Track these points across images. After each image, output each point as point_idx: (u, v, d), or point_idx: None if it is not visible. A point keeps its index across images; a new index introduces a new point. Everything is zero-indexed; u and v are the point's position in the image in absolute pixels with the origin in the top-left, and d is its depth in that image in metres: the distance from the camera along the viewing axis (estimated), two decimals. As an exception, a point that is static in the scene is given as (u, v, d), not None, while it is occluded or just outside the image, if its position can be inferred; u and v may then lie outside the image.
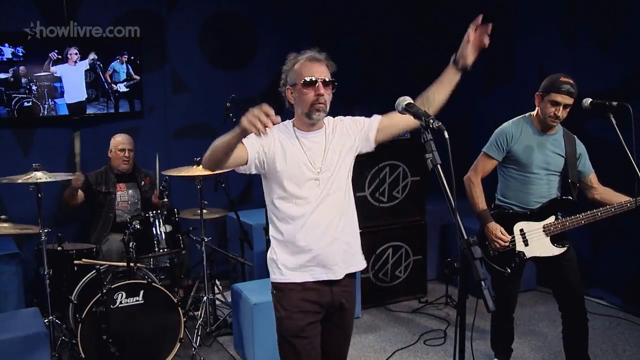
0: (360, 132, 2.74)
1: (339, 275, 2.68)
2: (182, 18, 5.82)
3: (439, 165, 1.97)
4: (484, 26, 2.48)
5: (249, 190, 6.22)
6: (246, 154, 2.50)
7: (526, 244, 3.57)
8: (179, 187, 5.38)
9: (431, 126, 2.04)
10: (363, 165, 5.10)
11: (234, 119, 4.81)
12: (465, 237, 1.86)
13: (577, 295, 3.58)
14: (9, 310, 4.53)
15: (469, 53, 2.53)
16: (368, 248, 5.09)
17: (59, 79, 5.29)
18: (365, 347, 4.49)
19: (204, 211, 4.81)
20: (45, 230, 4.09)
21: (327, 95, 2.57)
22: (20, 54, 5.13)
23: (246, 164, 2.53)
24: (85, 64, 5.36)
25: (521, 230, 3.58)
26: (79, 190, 4.76)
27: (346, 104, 6.26)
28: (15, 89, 5.14)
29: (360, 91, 6.55)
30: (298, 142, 2.63)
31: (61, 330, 4.24)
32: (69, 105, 5.34)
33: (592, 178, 3.63)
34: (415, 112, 2.14)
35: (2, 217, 4.24)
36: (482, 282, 1.80)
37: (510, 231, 3.58)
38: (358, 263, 2.85)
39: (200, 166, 4.42)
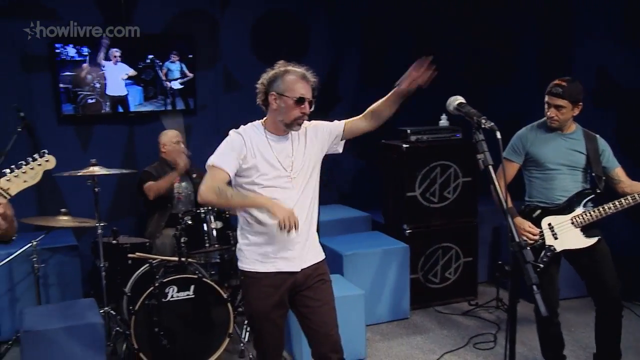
0: (330, 136, 3.06)
1: (300, 267, 2.95)
2: (234, 17, 5.88)
3: (490, 166, 1.93)
4: (425, 66, 2.90)
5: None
6: (227, 176, 2.80)
7: (555, 238, 3.61)
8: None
9: (483, 126, 2.02)
10: (413, 166, 5.07)
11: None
12: (517, 239, 1.83)
13: (612, 294, 3.61)
14: (68, 300, 4.69)
15: (403, 82, 2.96)
16: (418, 249, 5.10)
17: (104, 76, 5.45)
18: (413, 348, 4.46)
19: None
20: (102, 224, 4.21)
21: (310, 109, 2.89)
22: (85, 53, 5.30)
23: (230, 180, 2.84)
24: (124, 65, 5.50)
25: (549, 224, 3.64)
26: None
27: (400, 105, 6.29)
28: (80, 87, 5.32)
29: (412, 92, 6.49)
30: (269, 145, 2.87)
31: (116, 321, 4.35)
32: (110, 97, 5.48)
33: (619, 172, 3.67)
34: (467, 112, 2.13)
35: (62, 210, 4.39)
36: (534, 287, 1.76)
37: (538, 226, 3.63)
38: (317, 255, 3.08)
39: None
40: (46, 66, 5.26)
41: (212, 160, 2.83)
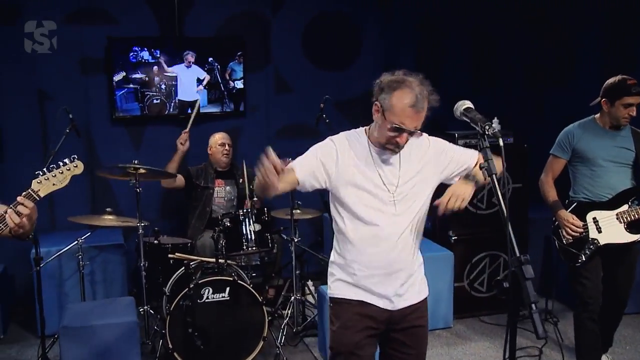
0: (454, 167, 2.64)
1: (397, 306, 2.58)
2: (287, 19, 5.90)
3: (494, 175, 1.84)
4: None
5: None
6: (295, 177, 2.44)
7: (599, 231, 3.68)
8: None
9: (487, 133, 1.93)
10: (460, 170, 4.92)
11: (327, 120, 4.83)
12: (517, 254, 1.73)
13: (621, 293, 3.80)
14: (114, 297, 4.82)
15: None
16: (463, 256, 4.95)
17: (175, 78, 5.57)
18: (453, 359, 4.33)
19: (297, 211, 4.87)
20: (142, 224, 4.30)
21: (405, 141, 2.43)
22: (158, 55, 5.47)
23: (299, 184, 2.48)
24: (196, 68, 5.60)
25: (594, 218, 3.71)
26: (179, 177, 4.95)
27: (453, 105, 6.14)
28: (148, 88, 5.49)
29: (468, 92, 6.31)
30: (371, 156, 2.50)
31: (155, 320, 4.43)
32: (180, 103, 5.60)
33: None
34: (473, 117, 2.05)
35: (108, 209, 4.52)
36: (533, 306, 1.67)
37: (583, 220, 3.72)
38: (420, 293, 2.72)
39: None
40: (102, 68, 5.43)
41: (294, 162, 2.51)
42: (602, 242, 3.67)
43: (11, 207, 2.39)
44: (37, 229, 4.84)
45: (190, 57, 5.56)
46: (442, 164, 2.60)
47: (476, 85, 6.35)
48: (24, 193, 2.45)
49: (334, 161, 2.48)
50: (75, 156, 2.57)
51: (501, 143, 1.90)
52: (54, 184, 2.52)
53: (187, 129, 5.09)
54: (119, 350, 3.84)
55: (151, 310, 4.39)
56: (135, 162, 4.27)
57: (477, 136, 2.02)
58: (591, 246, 3.67)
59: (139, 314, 4.31)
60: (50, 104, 5.31)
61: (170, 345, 3.98)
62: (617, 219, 3.67)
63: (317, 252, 5.08)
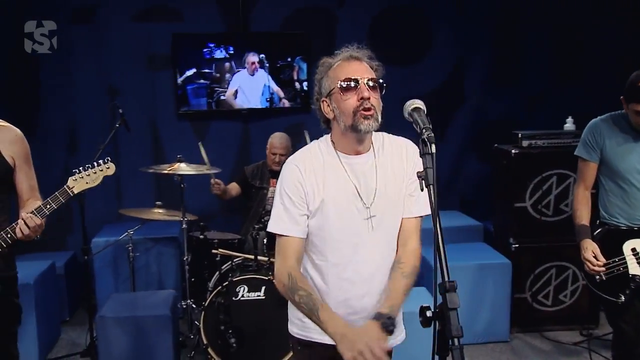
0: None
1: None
2: (353, 12, 5.74)
3: (431, 186, 1.61)
4: None
5: (416, 192, 5.95)
6: (300, 241, 2.11)
7: None
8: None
9: (423, 136, 1.70)
10: (523, 174, 4.59)
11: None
12: (446, 278, 1.51)
13: None
14: (168, 288, 4.92)
15: None
16: (526, 266, 4.63)
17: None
18: (502, 376, 4.03)
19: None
20: (186, 219, 4.34)
21: (374, 99, 2.05)
22: (232, 52, 5.53)
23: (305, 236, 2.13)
24: (263, 73, 5.62)
25: (633, 249, 3.05)
26: (233, 185, 4.92)
27: (531, 104, 5.75)
28: (218, 84, 5.56)
29: (549, 90, 5.90)
30: (343, 168, 2.12)
31: (196, 315, 4.45)
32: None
33: None
34: (415, 119, 1.81)
35: (158, 203, 4.59)
36: (456, 340, 1.45)
37: (619, 251, 3.05)
38: (397, 335, 2.24)
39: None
40: (168, 64, 5.53)
41: (271, 225, 2.14)
42: None
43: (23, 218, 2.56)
44: (103, 219, 5.09)
45: (252, 57, 5.53)
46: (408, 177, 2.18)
47: (559, 82, 5.91)
48: (60, 189, 2.65)
49: (302, 187, 2.11)
50: (109, 158, 2.78)
51: (433, 150, 1.66)
52: (87, 182, 2.73)
53: (212, 178, 4.68)
54: (151, 342, 3.88)
55: (194, 305, 4.40)
56: (179, 156, 4.31)
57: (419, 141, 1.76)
58: (632, 285, 2.99)
59: (184, 308, 4.37)
60: (119, 99, 5.47)
61: (205, 341, 3.97)
62: None
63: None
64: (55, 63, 5.40)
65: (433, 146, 1.67)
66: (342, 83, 2.06)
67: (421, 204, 2.15)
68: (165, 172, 4.29)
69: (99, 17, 5.42)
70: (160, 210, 4.53)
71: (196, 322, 4.36)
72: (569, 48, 5.92)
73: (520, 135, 4.61)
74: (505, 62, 5.91)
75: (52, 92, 5.46)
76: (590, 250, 3.05)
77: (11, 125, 2.78)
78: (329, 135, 2.19)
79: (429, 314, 1.55)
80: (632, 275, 3.02)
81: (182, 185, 4.33)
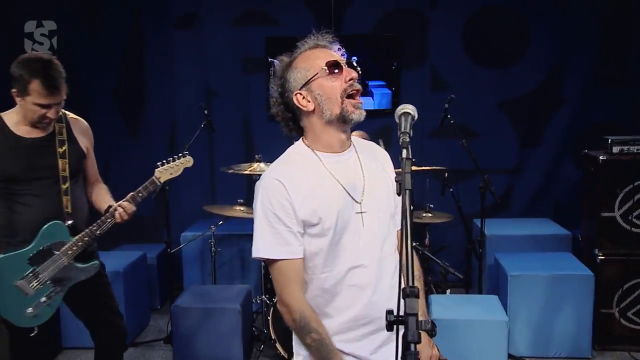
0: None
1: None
2: (446, 14, 5.66)
3: (407, 191, 1.59)
4: None
5: (508, 198, 5.78)
6: (299, 261, 1.98)
7: None
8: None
9: (400, 140, 1.68)
10: (613, 181, 4.33)
11: (452, 121, 4.57)
12: (410, 284, 1.49)
13: None
14: (250, 283, 5.11)
15: None
16: (614, 279, 4.38)
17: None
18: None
19: (429, 214, 4.72)
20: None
21: (352, 73, 1.98)
22: None
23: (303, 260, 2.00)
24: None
25: None
26: None
27: (637, 107, 5.39)
28: None
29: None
30: (326, 169, 2.00)
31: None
32: None
33: None
34: (399, 123, 1.78)
35: (239, 200, 4.78)
36: (411, 346, 1.43)
37: None
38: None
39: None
40: (262, 67, 5.74)
41: (258, 251, 2.02)
42: None
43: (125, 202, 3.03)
44: (196, 214, 5.37)
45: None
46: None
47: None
48: (149, 180, 3.07)
49: (288, 203, 1.95)
50: (187, 152, 3.20)
51: (404, 155, 1.63)
52: (170, 173, 3.15)
53: None
54: (220, 333, 4.07)
55: (268, 301, 4.55)
56: (258, 156, 4.48)
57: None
58: None
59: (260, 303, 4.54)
60: (215, 100, 5.77)
61: (273, 336, 4.10)
62: None
63: (439, 259, 4.82)
64: (160, 65, 5.78)
65: (404, 151, 1.64)
66: (327, 67, 1.96)
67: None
68: (246, 172, 4.46)
69: (201, 23, 5.74)
70: (242, 208, 4.71)
71: (268, 317, 4.52)
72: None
73: (610, 140, 4.35)
74: (610, 62, 5.56)
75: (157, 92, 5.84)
76: None
77: (80, 118, 3.16)
78: (301, 139, 2.08)
79: (390, 317, 1.53)
80: None
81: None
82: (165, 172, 3.14)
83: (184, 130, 5.82)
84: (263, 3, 5.70)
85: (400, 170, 1.62)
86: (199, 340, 4.08)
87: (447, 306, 3.96)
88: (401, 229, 1.65)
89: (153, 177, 3.09)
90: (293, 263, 1.96)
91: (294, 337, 2.08)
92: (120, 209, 2.99)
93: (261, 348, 4.36)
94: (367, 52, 5.66)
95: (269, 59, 5.51)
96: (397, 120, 1.80)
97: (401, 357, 1.47)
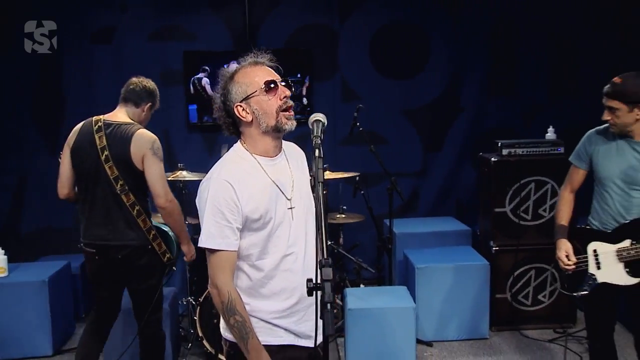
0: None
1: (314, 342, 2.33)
2: (354, 29, 6.09)
3: (321, 183, 1.96)
4: None
5: (415, 199, 6.26)
6: (235, 255, 2.27)
7: (598, 267, 3.25)
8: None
9: (312, 142, 2.05)
10: (503, 180, 4.87)
11: (360, 128, 4.96)
12: (323, 256, 1.85)
13: None
14: (175, 286, 5.30)
15: None
16: (506, 267, 4.89)
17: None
18: (476, 370, 4.32)
19: (342, 215, 5.10)
20: (187, 222, 4.74)
21: (289, 92, 2.30)
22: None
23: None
24: None
25: (594, 250, 3.27)
26: None
27: (525, 114, 6.00)
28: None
29: (546, 101, 6.14)
30: (265, 173, 2.29)
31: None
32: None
33: None
34: (312, 129, 2.16)
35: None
36: (327, 305, 1.78)
37: (584, 251, 3.29)
38: None
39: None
40: (180, 80, 5.98)
41: (203, 241, 2.24)
42: (599, 279, 3.22)
43: None
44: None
45: None
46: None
47: (553, 92, 6.15)
48: None
49: (236, 204, 2.22)
50: None
51: (316, 154, 2.02)
52: None
53: None
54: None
55: (193, 302, 4.79)
56: (181, 165, 4.73)
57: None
58: (590, 282, 3.23)
59: (186, 304, 4.78)
60: (135, 112, 5.94)
61: (200, 334, 4.36)
62: (616, 255, 3.20)
63: (353, 256, 5.22)
64: (78, 79, 5.92)
65: (317, 151, 2.02)
66: (265, 85, 2.24)
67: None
68: (170, 179, 4.69)
69: (117, 37, 5.92)
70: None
71: (194, 317, 4.76)
72: (563, 60, 6.15)
73: (500, 144, 4.88)
74: (500, 73, 6.17)
75: (75, 106, 5.96)
76: (564, 249, 3.29)
77: None
78: (240, 142, 2.34)
79: (309, 285, 1.88)
80: (589, 273, 3.25)
81: (183, 192, 4.75)
82: None
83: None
84: (180, 19, 5.95)
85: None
86: (129, 342, 4.25)
87: (360, 297, 4.34)
88: (316, 214, 1.99)
89: None
90: (228, 254, 2.24)
91: (221, 322, 2.37)
92: None
93: (189, 347, 4.60)
94: (281, 66, 5.97)
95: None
96: (310, 127, 2.16)
97: (320, 316, 1.81)
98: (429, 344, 4.69)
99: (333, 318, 1.80)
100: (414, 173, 6.25)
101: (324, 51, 6.10)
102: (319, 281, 1.85)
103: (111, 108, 5.91)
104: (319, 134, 2.12)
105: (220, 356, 4.31)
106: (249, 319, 2.26)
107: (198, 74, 5.91)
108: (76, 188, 3.70)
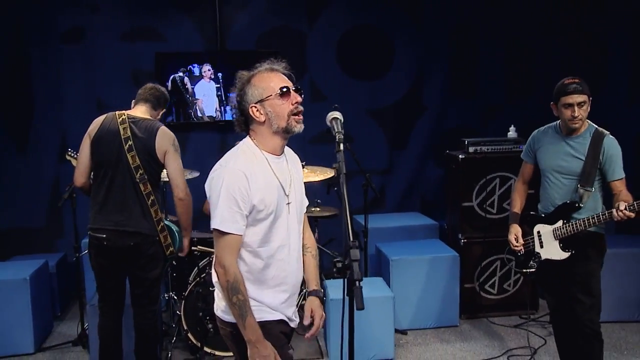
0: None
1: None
2: (322, 32, 6.29)
3: (343, 174, 2.15)
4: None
5: (382, 196, 6.49)
6: (241, 239, 2.44)
7: (542, 246, 3.73)
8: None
9: (337, 140, 2.25)
10: (470, 176, 5.14)
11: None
12: (351, 239, 2.04)
13: (581, 317, 3.57)
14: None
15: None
16: (473, 259, 5.16)
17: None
18: (446, 354, 4.57)
19: (317, 209, 5.27)
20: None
21: (301, 99, 2.51)
22: (210, 69, 6.06)
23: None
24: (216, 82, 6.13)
25: (538, 232, 3.75)
26: None
27: (484, 114, 6.32)
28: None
29: (504, 102, 6.47)
30: (271, 169, 2.48)
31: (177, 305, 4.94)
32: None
33: (618, 185, 3.49)
34: (332, 126, 2.35)
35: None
36: (357, 282, 1.97)
37: (531, 233, 3.78)
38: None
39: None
40: (153, 81, 6.02)
41: (217, 224, 2.40)
42: (543, 256, 3.71)
43: None
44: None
45: (208, 70, 6.07)
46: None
47: (510, 93, 6.49)
48: None
49: (248, 193, 2.40)
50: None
51: (340, 148, 2.26)
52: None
53: None
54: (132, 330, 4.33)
55: (175, 297, 4.89)
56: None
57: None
58: (536, 259, 3.73)
59: (167, 300, 4.86)
60: (106, 112, 5.95)
61: (185, 328, 4.46)
62: (553, 234, 3.64)
63: (328, 250, 5.41)
64: (47, 78, 5.92)
65: (341, 145, 2.22)
66: (280, 90, 2.45)
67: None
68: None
69: (87, 37, 5.95)
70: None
71: (177, 311, 4.86)
72: (519, 62, 6.50)
73: (466, 142, 5.16)
74: (460, 75, 6.49)
75: (44, 105, 5.96)
76: (513, 233, 3.81)
77: None
78: (249, 138, 2.51)
79: (339, 265, 2.07)
80: (535, 252, 3.76)
81: (164, 190, 4.83)
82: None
83: (74, 143, 5.91)
84: (151, 20, 6.02)
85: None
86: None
87: (340, 288, 4.50)
88: (341, 201, 2.18)
89: None
90: (236, 237, 2.42)
91: (217, 294, 2.59)
92: None
93: (173, 341, 4.69)
94: (250, 67, 6.11)
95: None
96: (329, 124, 2.35)
97: (347, 293, 2.00)
98: (403, 332, 4.92)
99: (362, 294, 1.99)
100: (381, 171, 6.49)
101: (292, 53, 6.26)
102: (346, 262, 2.05)
103: (81, 107, 6.02)
104: (341, 130, 2.32)
105: (205, 348, 4.43)
106: (248, 297, 2.44)
107: (178, 72, 6.00)
108: (92, 177, 3.85)
